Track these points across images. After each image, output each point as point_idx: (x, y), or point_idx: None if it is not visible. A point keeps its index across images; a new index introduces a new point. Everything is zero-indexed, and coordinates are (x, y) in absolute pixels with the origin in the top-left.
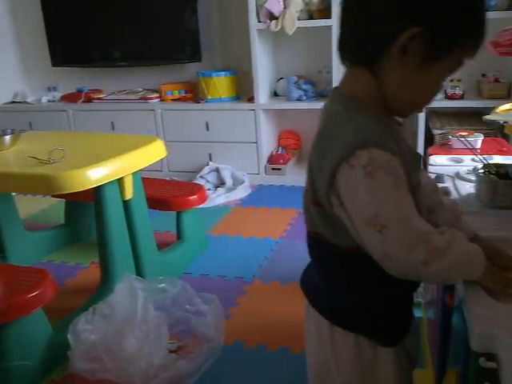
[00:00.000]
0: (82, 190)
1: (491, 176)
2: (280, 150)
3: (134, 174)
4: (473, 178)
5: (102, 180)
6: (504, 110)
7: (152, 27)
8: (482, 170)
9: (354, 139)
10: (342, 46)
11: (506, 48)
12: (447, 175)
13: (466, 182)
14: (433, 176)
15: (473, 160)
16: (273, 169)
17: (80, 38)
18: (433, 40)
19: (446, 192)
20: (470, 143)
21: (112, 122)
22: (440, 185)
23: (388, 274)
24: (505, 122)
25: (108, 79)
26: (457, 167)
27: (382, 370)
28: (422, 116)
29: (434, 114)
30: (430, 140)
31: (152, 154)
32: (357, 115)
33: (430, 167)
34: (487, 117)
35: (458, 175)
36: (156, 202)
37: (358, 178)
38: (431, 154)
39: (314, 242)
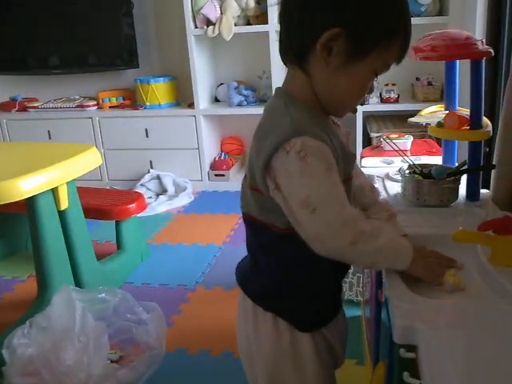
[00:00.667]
0: (13, 201)
1: (416, 176)
2: (223, 155)
3: (69, 183)
4: (400, 178)
5: (35, 190)
6: (429, 113)
7: (88, 33)
8: (407, 171)
9: (289, 128)
10: (280, 47)
11: (426, 53)
12: (377, 176)
13: (394, 183)
14: None
15: (403, 161)
16: (216, 175)
17: (13, 44)
18: (354, 40)
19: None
20: (396, 145)
21: (49, 131)
22: None
23: (315, 259)
24: (427, 124)
25: (44, 87)
26: (387, 168)
27: (299, 355)
28: (359, 119)
29: (371, 117)
30: (368, 143)
31: (87, 162)
32: (293, 109)
33: (362, 169)
34: (411, 119)
35: (387, 176)
36: (94, 212)
37: (293, 162)
38: (363, 157)
39: (247, 223)
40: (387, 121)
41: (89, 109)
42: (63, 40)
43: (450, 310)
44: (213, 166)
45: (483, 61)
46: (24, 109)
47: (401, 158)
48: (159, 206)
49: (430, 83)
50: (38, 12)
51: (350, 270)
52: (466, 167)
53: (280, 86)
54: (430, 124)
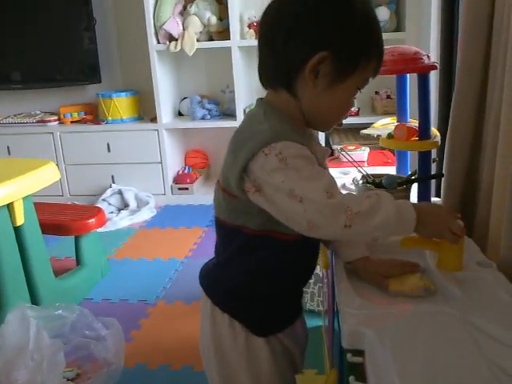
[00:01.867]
0: None
1: (368, 185)
2: (187, 169)
3: (25, 198)
4: (354, 188)
5: None
6: (382, 125)
7: (50, 48)
8: (361, 181)
9: (268, 134)
10: (261, 71)
11: (385, 67)
12: None
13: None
14: None
15: (358, 172)
16: (179, 188)
17: None
18: (339, 63)
19: None
20: (352, 157)
21: (8, 147)
22: None
23: (280, 265)
24: (378, 136)
25: (4, 102)
26: (344, 179)
27: (254, 357)
28: (322, 132)
29: (333, 130)
30: (331, 154)
31: (44, 177)
32: (272, 117)
33: None
34: (364, 131)
35: (343, 186)
36: (53, 227)
37: (272, 162)
38: None
39: (217, 226)
40: (348, 133)
41: (50, 124)
42: (25, 55)
43: (397, 315)
44: (176, 180)
45: (429, 74)
46: None
47: (356, 168)
48: (121, 221)
49: (388, 96)
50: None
51: (311, 280)
52: (416, 176)
53: (255, 98)
54: (380, 136)
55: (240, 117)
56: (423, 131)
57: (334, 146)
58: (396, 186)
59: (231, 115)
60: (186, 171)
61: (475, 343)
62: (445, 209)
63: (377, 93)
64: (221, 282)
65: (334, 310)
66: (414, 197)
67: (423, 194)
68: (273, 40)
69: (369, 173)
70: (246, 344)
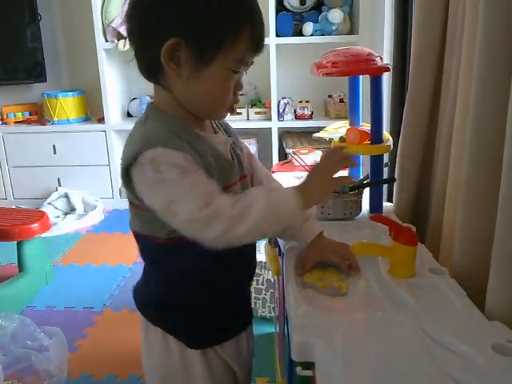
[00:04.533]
0: None
1: None
2: None
3: None
4: None
5: None
6: (334, 128)
7: None
8: None
9: (142, 142)
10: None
11: (327, 69)
12: None
13: None
14: None
15: None
16: None
17: None
18: (194, 47)
19: None
20: (303, 160)
21: None
22: None
23: (199, 270)
24: (330, 139)
25: None
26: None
27: (190, 372)
28: (275, 135)
29: (286, 133)
30: (284, 158)
31: None
32: (151, 123)
33: None
34: (316, 135)
35: None
36: None
37: (147, 173)
38: (273, 172)
39: (135, 239)
40: (302, 137)
41: None
42: None
43: (348, 324)
44: None
45: (382, 76)
46: None
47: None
48: (67, 226)
49: (341, 100)
50: None
51: (263, 287)
52: (368, 181)
53: None
54: (332, 139)
55: None
56: (375, 135)
57: (287, 150)
58: (348, 191)
59: None
60: None
61: (428, 352)
62: (323, 161)
63: (330, 96)
64: (147, 296)
65: (285, 317)
66: (365, 201)
67: (375, 199)
68: (132, 31)
69: None
70: (181, 359)
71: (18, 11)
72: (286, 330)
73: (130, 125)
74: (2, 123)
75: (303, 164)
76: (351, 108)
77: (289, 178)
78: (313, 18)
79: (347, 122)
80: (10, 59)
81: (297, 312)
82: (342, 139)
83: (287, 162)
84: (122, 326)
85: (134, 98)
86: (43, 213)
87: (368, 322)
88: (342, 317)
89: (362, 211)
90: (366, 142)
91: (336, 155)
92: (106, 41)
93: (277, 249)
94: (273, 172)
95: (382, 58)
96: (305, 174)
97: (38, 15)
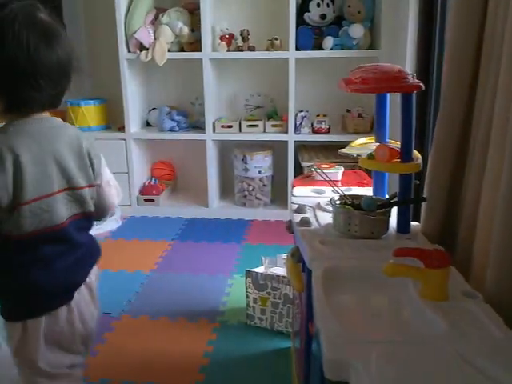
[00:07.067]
0: None
1: (347, 207)
2: (153, 180)
3: None
4: (331, 208)
5: None
6: (360, 144)
7: None
8: (338, 201)
9: None
10: None
11: (357, 85)
12: (308, 206)
13: (325, 213)
14: (295, 207)
15: (333, 191)
16: (145, 200)
17: None
18: None
19: (307, 222)
20: (327, 175)
21: None
22: (301, 215)
23: None
24: (358, 156)
25: None
26: (318, 198)
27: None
28: (291, 149)
29: (302, 147)
30: (300, 172)
31: None
32: None
33: (292, 198)
34: (342, 150)
35: (318, 206)
36: None
37: None
38: (294, 186)
39: None
40: (318, 151)
41: None
42: None
43: (383, 345)
44: (142, 191)
45: (413, 94)
46: None
47: (331, 188)
48: None
49: (360, 115)
50: None
51: (280, 301)
52: (396, 199)
53: (224, 111)
54: (360, 156)
55: (209, 129)
56: (406, 153)
57: (303, 164)
58: (375, 209)
59: (200, 128)
60: (152, 182)
61: (466, 379)
62: None
63: (348, 111)
64: None
65: (309, 333)
66: (393, 220)
67: (403, 218)
68: None
69: (345, 193)
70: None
71: None
72: (314, 348)
73: (148, 134)
74: None
75: (327, 180)
76: (378, 124)
77: (308, 193)
78: (333, 33)
79: (371, 138)
80: None
81: (330, 329)
82: (370, 156)
83: (307, 176)
84: (141, 332)
85: (153, 108)
86: None
87: (403, 344)
88: (375, 337)
89: (389, 230)
90: (396, 160)
91: None
92: (129, 51)
93: (300, 264)
94: (293, 186)
95: (413, 76)
96: (326, 188)
97: (63, 25)
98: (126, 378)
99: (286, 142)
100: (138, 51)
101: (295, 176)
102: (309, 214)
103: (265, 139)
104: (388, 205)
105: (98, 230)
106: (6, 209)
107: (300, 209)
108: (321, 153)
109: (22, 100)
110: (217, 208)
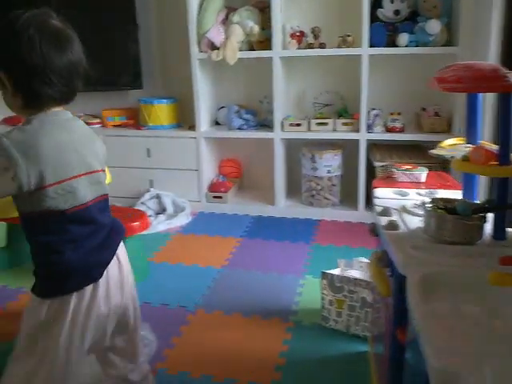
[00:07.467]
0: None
1: (439, 211)
2: (221, 177)
3: None
4: (420, 212)
5: None
6: (450, 145)
7: (94, 53)
8: (430, 205)
9: None
10: None
11: (451, 84)
12: (394, 208)
13: (413, 216)
14: (379, 209)
15: (418, 194)
16: (214, 197)
17: None
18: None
19: (394, 225)
20: (415, 177)
21: None
22: (387, 218)
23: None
24: (452, 157)
25: None
26: (402, 201)
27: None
28: (363, 148)
29: (374, 146)
30: (371, 171)
31: None
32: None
33: (375, 200)
34: (434, 151)
35: (404, 209)
36: None
37: None
38: (375, 187)
39: None
40: (390, 150)
41: (93, 126)
42: None
43: (495, 359)
44: (211, 188)
45: None
46: None
47: (415, 190)
48: (159, 225)
49: (437, 113)
50: None
51: (358, 304)
52: (492, 204)
53: (292, 110)
54: (454, 157)
55: (277, 127)
56: (504, 155)
57: (376, 163)
58: (471, 214)
59: (268, 126)
60: (220, 180)
61: None
62: None
63: (424, 109)
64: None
65: (397, 340)
66: (488, 226)
67: (499, 224)
68: None
69: (435, 197)
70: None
71: (119, 21)
72: (409, 356)
73: (218, 133)
74: (102, 126)
75: (415, 181)
76: (469, 125)
77: (390, 194)
78: (407, 29)
79: (460, 138)
80: (111, 66)
81: (433, 338)
82: (465, 158)
83: (388, 177)
84: (216, 327)
85: (222, 107)
86: (143, 212)
87: None
88: (482, 348)
89: (484, 236)
90: (492, 163)
91: None
92: (200, 51)
93: (387, 269)
94: (374, 187)
95: None
96: (409, 190)
97: (137, 25)
98: (204, 371)
99: (357, 140)
100: (209, 50)
101: (366, 175)
102: (395, 217)
103: (335, 138)
104: (484, 210)
105: (169, 224)
106: (32, 191)
107: (385, 211)
108: (393, 152)
109: (36, 95)
110: (283, 207)
